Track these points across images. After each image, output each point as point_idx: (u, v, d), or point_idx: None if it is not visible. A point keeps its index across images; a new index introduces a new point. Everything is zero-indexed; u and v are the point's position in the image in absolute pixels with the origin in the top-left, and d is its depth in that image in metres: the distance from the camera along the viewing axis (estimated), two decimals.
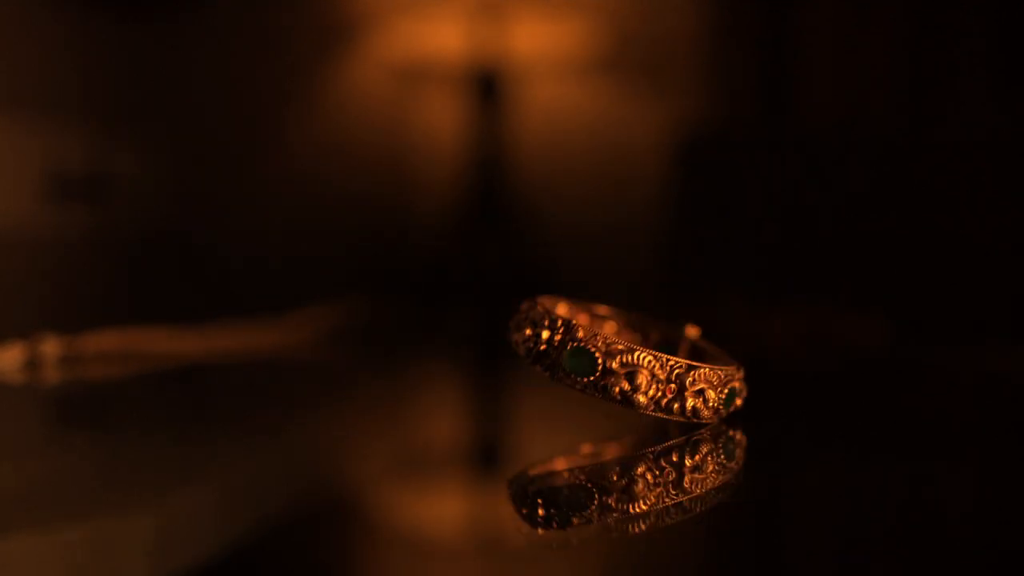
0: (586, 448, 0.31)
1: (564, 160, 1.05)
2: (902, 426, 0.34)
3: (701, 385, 0.27)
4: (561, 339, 0.28)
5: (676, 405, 0.27)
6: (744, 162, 0.91)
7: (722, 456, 0.27)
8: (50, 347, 0.46)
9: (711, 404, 0.28)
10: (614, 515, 0.22)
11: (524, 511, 0.23)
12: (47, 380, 0.44)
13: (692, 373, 0.27)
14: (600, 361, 0.27)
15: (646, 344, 0.33)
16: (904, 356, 0.53)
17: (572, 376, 0.27)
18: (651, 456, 0.27)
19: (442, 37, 1.04)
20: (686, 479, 0.25)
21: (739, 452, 0.28)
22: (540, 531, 0.22)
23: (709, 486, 0.24)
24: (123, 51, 0.98)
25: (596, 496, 0.23)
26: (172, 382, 0.46)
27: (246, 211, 1.05)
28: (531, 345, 0.28)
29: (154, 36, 1.02)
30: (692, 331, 0.34)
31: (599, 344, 0.27)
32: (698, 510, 0.22)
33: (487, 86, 1.03)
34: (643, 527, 0.21)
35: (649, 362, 0.27)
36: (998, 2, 0.73)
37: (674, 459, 0.27)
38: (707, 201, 0.91)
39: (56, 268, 0.86)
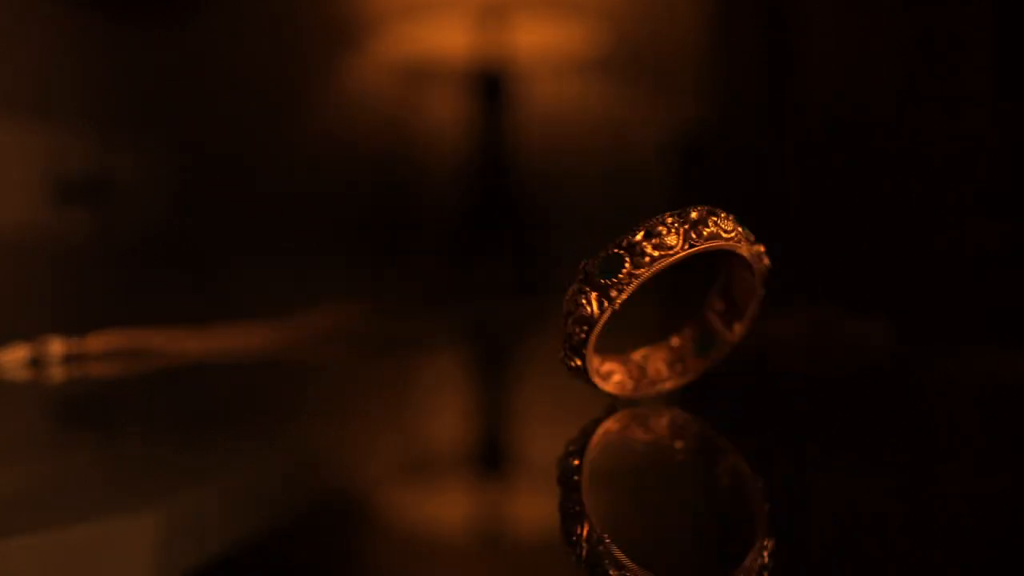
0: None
1: (567, 159, 1.06)
2: (904, 429, 0.34)
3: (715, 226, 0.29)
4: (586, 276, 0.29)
5: (704, 231, 0.29)
6: (746, 162, 0.91)
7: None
8: (54, 347, 0.46)
9: (733, 224, 0.30)
10: None
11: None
12: (51, 379, 0.44)
13: (710, 219, 0.29)
14: (624, 254, 0.29)
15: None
16: (906, 359, 0.53)
17: (610, 280, 0.29)
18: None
19: (447, 39, 1.04)
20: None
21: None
22: None
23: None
24: (126, 54, 0.98)
25: None
26: (176, 382, 0.46)
27: (249, 212, 1.05)
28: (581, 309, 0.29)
29: (157, 39, 1.02)
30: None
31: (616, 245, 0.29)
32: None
33: (491, 86, 1.03)
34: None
35: (664, 222, 0.29)
36: (1002, 2, 0.72)
37: None
38: (709, 201, 0.90)
39: (60, 269, 0.86)
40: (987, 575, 0.20)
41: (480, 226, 1.04)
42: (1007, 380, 0.45)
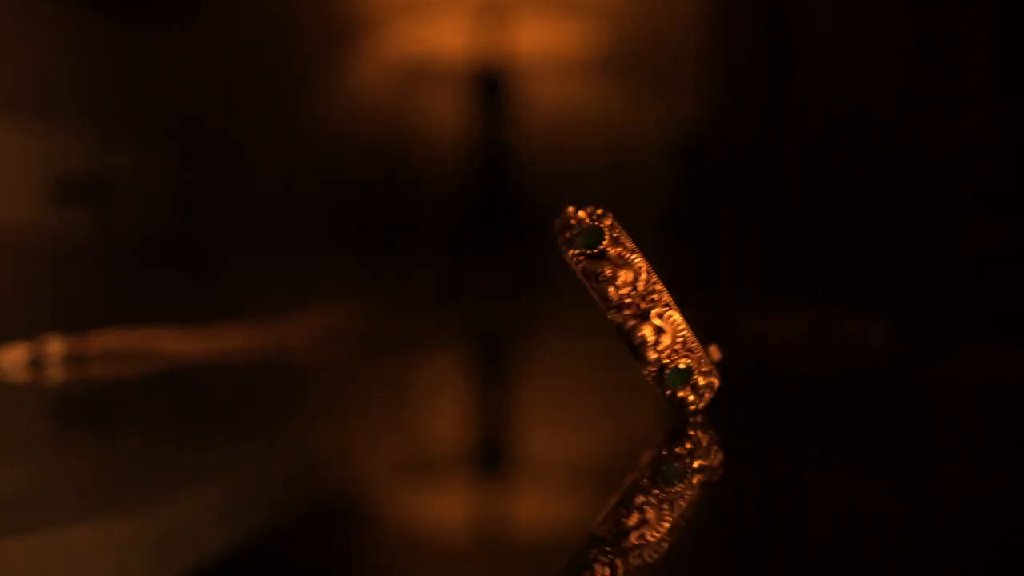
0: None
1: (567, 158, 1.06)
2: (904, 429, 0.34)
3: (665, 326, 0.27)
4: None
5: (632, 324, 0.27)
6: (746, 162, 0.91)
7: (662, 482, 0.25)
8: (54, 347, 0.46)
9: (660, 348, 0.28)
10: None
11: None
12: (51, 379, 0.44)
13: (665, 312, 0.27)
14: (605, 239, 0.28)
15: None
16: (906, 359, 0.53)
17: (579, 249, 0.28)
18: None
19: (446, 37, 1.04)
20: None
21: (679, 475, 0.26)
22: None
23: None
24: (126, 52, 0.98)
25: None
26: (175, 382, 0.46)
27: (249, 212, 1.05)
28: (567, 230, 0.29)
29: (157, 37, 1.02)
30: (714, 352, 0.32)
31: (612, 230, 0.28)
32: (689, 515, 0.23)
33: (491, 85, 1.04)
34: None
35: (639, 268, 0.28)
36: (1002, 2, 0.72)
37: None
38: (709, 201, 0.91)
39: (60, 268, 0.86)
40: (987, 575, 0.20)
41: (480, 226, 1.04)
42: (1007, 380, 0.45)
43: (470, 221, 1.04)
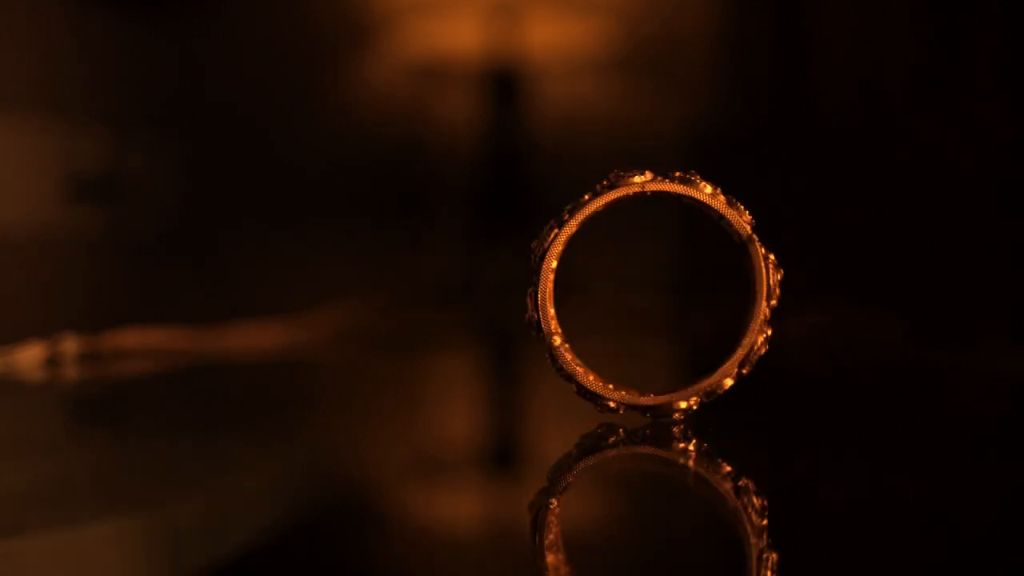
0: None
1: (580, 156, 1.05)
2: (917, 426, 0.34)
3: None
4: None
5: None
6: (758, 160, 0.90)
7: None
8: (69, 345, 0.47)
9: None
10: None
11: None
12: (66, 378, 0.44)
13: None
14: None
15: None
16: (919, 355, 0.53)
17: None
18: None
19: (459, 36, 1.04)
20: None
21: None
22: None
23: None
24: (140, 51, 0.99)
25: None
26: (189, 381, 0.46)
27: (261, 210, 1.05)
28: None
29: (171, 35, 1.02)
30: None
31: None
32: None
33: (504, 83, 1.03)
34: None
35: None
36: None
37: None
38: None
39: (75, 268, 0.86)
40: (1000, 572, 0.20)
41: (493, 224, 1.04)
42: (1022, 378, 0.45)
43: (483, 219, 1.04)
